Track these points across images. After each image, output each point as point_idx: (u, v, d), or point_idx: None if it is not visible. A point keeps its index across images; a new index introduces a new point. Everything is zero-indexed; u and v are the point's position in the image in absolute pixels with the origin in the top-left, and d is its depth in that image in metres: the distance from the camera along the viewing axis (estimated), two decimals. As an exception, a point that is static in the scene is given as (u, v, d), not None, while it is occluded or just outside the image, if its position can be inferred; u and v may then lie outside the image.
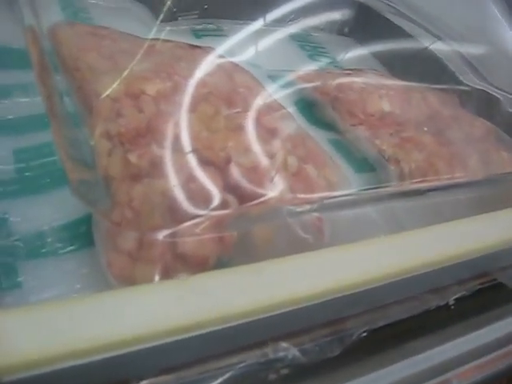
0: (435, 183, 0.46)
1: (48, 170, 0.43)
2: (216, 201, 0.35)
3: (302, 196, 0.38)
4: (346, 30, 0.72)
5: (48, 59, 0.40)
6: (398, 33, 0.65)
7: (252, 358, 0.33)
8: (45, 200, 0.41)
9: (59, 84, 0.39)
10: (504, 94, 0.57)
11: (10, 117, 0.47)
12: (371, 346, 0.36)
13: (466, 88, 0.59)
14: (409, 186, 0.47)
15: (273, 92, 0.48)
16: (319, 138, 0.49)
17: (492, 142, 0.54)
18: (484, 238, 0.39)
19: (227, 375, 0.32)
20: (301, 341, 0.34)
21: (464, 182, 0.47)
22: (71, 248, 0.39)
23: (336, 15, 0.69)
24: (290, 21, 0.65)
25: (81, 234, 0.40)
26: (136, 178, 0.36)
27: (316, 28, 0.70)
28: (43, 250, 0.38)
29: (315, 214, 0.37)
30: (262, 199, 0.36)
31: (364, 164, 0.51)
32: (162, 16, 0.50)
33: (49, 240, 0.39)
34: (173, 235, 0.33)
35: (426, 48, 0.62)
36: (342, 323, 0.36)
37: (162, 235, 0.33)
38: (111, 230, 0.36)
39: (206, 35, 0.64)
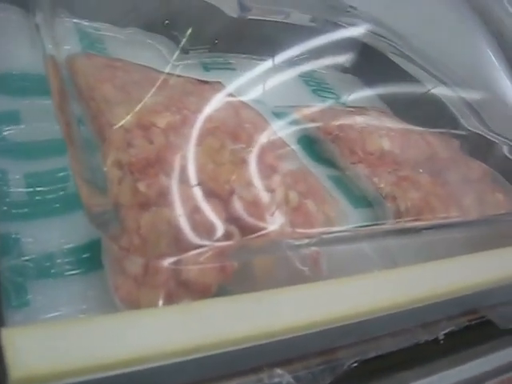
0: (430, 222, 0.48)
1: (58, 195, 0.45)
2: (219, 232, 0.37)
3: (301, 230, 0.40)
4: (350, 68, 0.74)
5: (67, 87, 0.42)
6: (399, 73, 0.67)
7: (248, 383, 0.34)
8: (55, 223, 0.43)
9: (76, 111, 0.41)
10: (501, 138, 0.60)
11: (21, 141, 0.48)
12: (361, 376, 0.37)
13: (466, 132, 0.61)
14: (404, 224, 0.49)
15: (277, 129, 0.50)
16: (320, 174, 0.51)
17: (488, 184, 0.56)
18: (474, 276, 0.41)
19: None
20: (295, 368, 0.36)
21: (458, 222, 0.49)
22: (78, 271, 0.40)
23: (340, 54, 0.71)
24: (297, 57, 0.67)
25: (88, 258, 0.41)
26: (144, 207, 0.38)
27: (321, 65, 0.72)
28: (52, 271, 0.40)
29: (313, 248, 0.38)
30: (262, 232, 0.38)
31: (362, 200, 0.53)
32: (177, 53, 0.52)
33: (58, 261, 0.40)
34: (177, 263, 0.34)
35: (428, 90, 0.64)
36: (334, 353, 0.37)
37: (167, 262, 0.34)
38: (119, 255, 0.38)
39: (215, 68, 0.67)
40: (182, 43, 0.55)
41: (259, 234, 0.38)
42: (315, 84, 0.72)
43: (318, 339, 0.35)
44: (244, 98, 0.51)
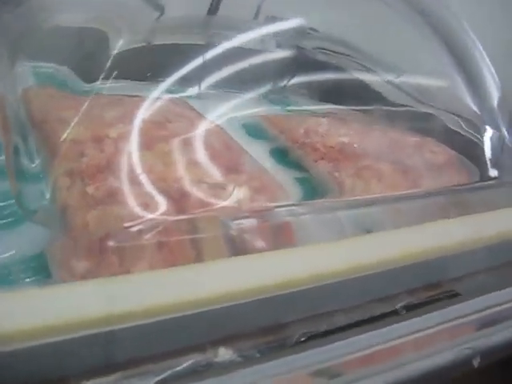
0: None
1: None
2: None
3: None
4: (327, 96, 0.73)
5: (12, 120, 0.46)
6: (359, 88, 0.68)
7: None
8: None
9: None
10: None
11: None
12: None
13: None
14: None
15: (245, 141, 0.52)
16: (287, 177, 0.52)
17: (454, 168, 0.56)
18: (427, 242, 0.41)
19: (166, 374, 0.33)
20: (241, 346, 0.35)
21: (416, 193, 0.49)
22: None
23: (315, 82, 0.71)
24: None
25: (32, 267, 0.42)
26: (92, 206, 0.39)
27: (295, 92, 0.72)
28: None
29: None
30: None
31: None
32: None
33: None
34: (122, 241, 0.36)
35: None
36: (283, 330, 0.37)
37: (111, 241, 0.36)
38: (64, 256, 0.39)
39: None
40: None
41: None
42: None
43: (263, 310, 0.35)
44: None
